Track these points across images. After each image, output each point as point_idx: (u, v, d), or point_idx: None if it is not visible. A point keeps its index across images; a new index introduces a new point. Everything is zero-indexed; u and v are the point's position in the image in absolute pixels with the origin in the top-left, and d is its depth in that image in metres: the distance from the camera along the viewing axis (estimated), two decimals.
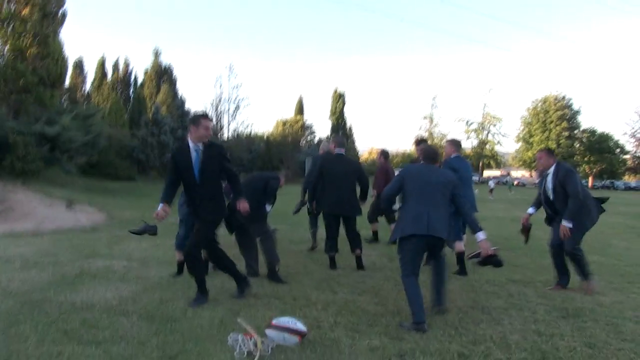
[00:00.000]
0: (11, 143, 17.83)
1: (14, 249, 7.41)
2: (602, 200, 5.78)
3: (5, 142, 18.00)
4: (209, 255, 5.18)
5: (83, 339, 3.62)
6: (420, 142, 7.20)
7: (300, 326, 3.73)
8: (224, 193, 5.57)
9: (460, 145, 7.15)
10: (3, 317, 4.02)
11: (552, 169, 5.69)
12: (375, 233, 9.39)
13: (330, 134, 61.46)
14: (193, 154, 4.68)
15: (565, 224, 5.45)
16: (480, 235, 4.51)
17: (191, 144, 4.69)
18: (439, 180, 4.53)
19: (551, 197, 5.72)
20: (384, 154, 9.95)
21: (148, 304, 4.60)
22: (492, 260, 4.71)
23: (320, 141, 56.72)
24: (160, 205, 4.56)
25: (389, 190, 4.76)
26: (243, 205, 4.80)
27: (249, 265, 6.03)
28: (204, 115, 4.85)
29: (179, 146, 4.89)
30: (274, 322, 3.75)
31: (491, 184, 37.81)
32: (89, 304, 4.51)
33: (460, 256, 6.50)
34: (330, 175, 6.53)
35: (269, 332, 3.70)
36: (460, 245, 6.52)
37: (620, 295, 5.43)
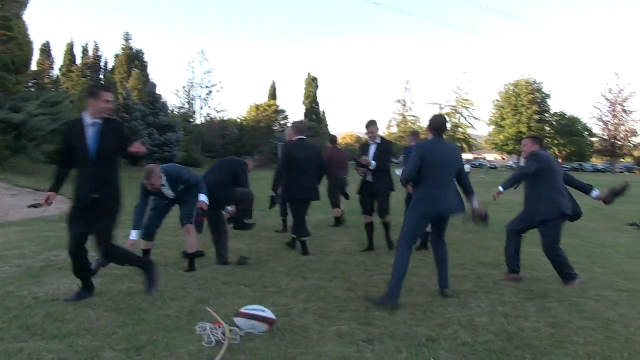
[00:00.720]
0: None
1: None
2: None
3: None
4: (105, 255, 4.47)
5: (47, 333, 3.54)
6: (371, 124, 6.96)
7: (269, 314, 3.73)
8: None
9: (419, 135, 8.02)
10: None
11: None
12: (337, 218, 9.50)
13: (305, 118, 61.34)
14: (89, 130, 4.15)
15: (499, 188, 5.37)
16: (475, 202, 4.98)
17: (88, 120, 4.16)
18: (452, 159, 4.74)
19: None
20: (331, 139, 10.42)
21: (115, 295, 4.53)
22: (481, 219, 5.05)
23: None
24: (48, 194, 4.36)
25: (408, 173, 4.71)
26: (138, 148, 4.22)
27: (219, 254, 6.00)
28: (103, 87, 4.49)
29: (73, 121, 4.39)
30: (243, 310, 3.73)
31: (467, 167, 38.76)
32: (54, 297, 4.42)
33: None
34: (296, 161, 6.54)
35: (237, 320, 3.68)
36: None
37: (584, 275, 5.56)
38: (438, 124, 4.84)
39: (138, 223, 5.39)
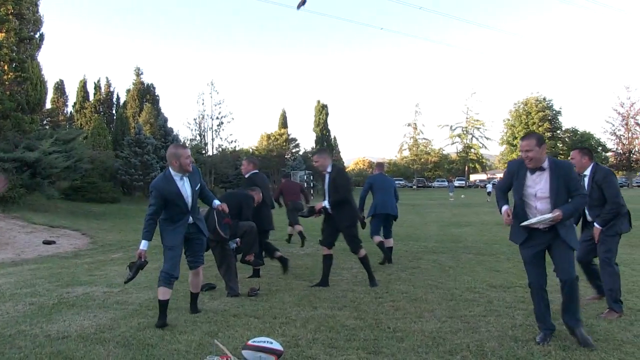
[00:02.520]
0: None
1: None
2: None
3: None
4: None
5: None
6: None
7: (276, 345, 3.73)
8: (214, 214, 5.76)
9: (383, 166, 9.34)
10: None
11: (588, 170, 5.13)
12: (300, 234, 11.03)
13: (315, 146, 61.73)
14: None
15: (597, 226, 5.04)
16: None
17: None
18: None
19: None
20: (285, 175, 14.36)
21: (126, 330, 4.55)
22: None
23: (305, 154, 56.91)
24: None
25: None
26: None
27: (229, 286, 6.02)
28: None
29: None
30: (250, 342, 3.74)
31: (489, 187, 39.94)
32: (64, 334, 4.45)
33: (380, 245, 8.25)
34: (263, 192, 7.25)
35: (245, 352, 3.69)
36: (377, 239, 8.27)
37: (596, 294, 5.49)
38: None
39: (149, 233, 4.75)
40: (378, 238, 8.28)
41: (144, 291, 6.25)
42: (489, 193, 38.78)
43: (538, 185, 4.13)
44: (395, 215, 8.55)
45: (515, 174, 4.25)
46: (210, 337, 4.30)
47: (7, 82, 20.53)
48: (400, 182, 77.33)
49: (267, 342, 3.73)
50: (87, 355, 3.89)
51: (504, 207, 4.31)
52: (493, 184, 43.58)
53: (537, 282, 4.20)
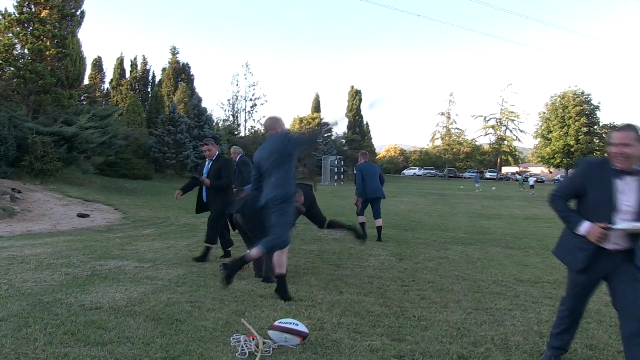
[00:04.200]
0: (30, 143, 18.17)
1: (30, 249, 7.57)
2: None
3: (24, 143, 18.35)
4: None
5: (90, 340, 3.70)
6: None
7: (302, 327, 3.79)
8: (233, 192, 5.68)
9: (367, 155, 10.07)
10: (14, 319, 4.12)
11: None
12: None
13: (348, 131, 61.61)
14: None
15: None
16: None
17: None
18: None
19: None
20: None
21: (156, 305, 4.68)
22: None
23: (337, 139, 56.83)
24: None
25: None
26: None
27: (258, 267, 6.10)
28: None
29: None
30: (276, 323, 3.81)
31: (531, 181, 40.04)
32: (98, 305, 4.61)
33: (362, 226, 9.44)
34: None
35: (271, 333, 3.76)
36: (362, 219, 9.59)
37: None
38: None
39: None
40: (363, 219, 9.64)
41: (174, 268, 6.39)
42: (532, 187, 38.34)
43: (624, 196, 3.09)
44: (381, 197, 9.67)
45: (593, 177, 3.19)
46: (238, 316, 4.39)
47: (49, 58, 21.02)
48: (431, 171, 76.73)
49: (293, 324, 3.79)
50: (119, 327, 4.02)
51: (585, 224, 3.16)
52: (537, 179, 43.05)
53: (576, 308, 3.44)
